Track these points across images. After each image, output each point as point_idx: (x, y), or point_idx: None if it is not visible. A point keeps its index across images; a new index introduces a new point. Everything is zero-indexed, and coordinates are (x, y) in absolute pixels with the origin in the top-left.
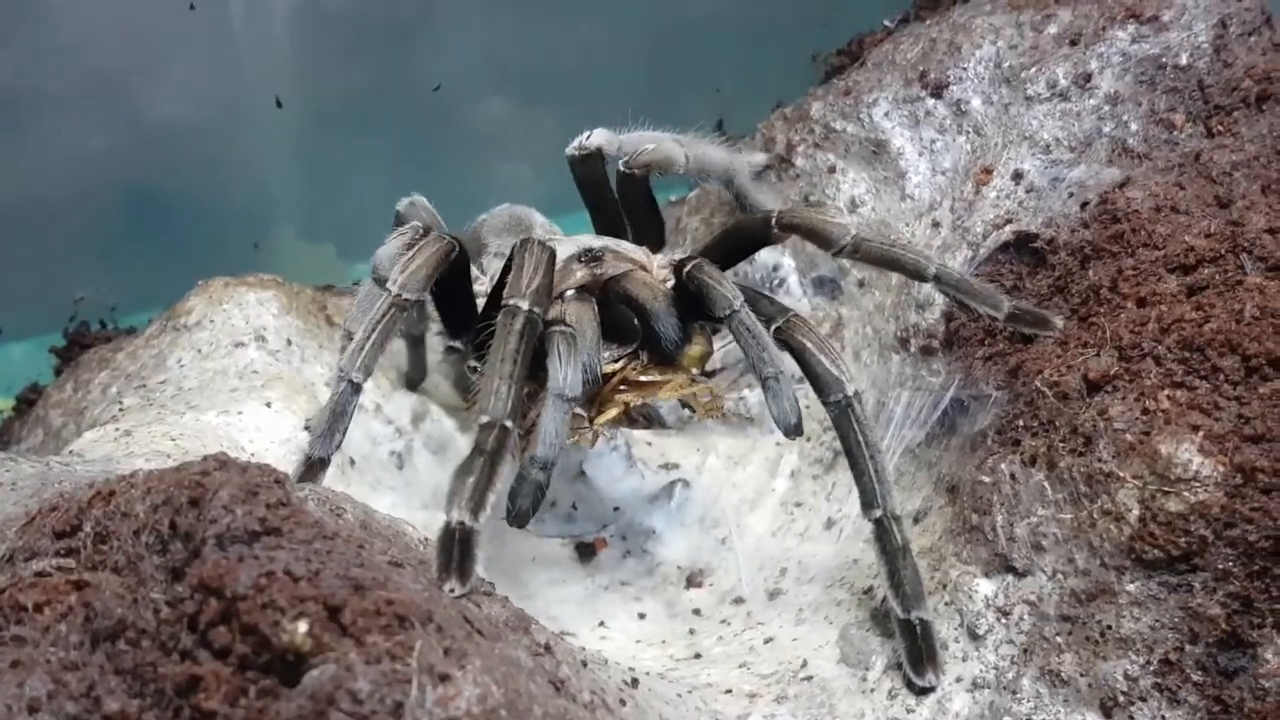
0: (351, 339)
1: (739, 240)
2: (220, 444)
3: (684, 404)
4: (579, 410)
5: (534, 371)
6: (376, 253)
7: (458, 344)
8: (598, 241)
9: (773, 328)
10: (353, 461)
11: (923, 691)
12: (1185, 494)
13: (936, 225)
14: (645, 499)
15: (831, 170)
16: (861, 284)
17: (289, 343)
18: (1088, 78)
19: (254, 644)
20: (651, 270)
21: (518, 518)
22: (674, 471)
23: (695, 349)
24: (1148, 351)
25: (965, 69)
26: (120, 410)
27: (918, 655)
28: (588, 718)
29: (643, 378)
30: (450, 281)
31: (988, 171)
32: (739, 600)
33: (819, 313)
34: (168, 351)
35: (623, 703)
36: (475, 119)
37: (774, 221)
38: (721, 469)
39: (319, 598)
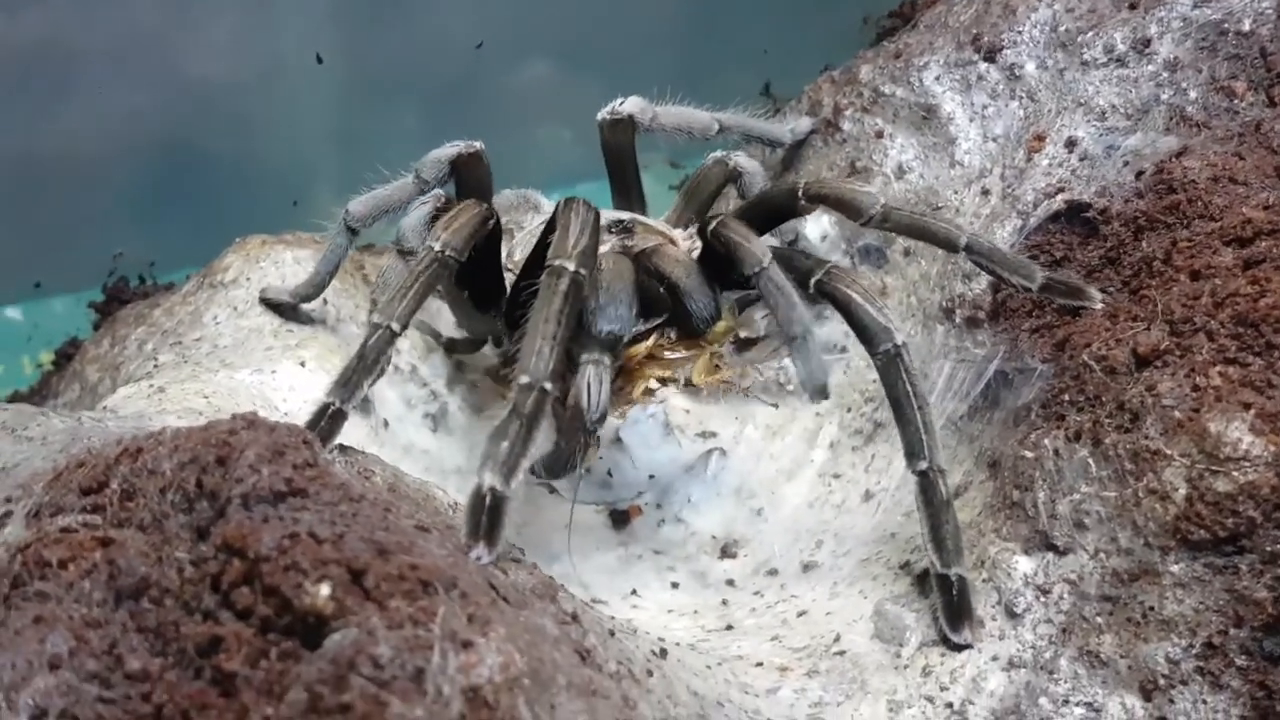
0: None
1: (764, 211)
2: (253, 402)
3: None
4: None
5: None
6: (401, 224)
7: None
8: (625, 214)
9: (813, 280)
10: (386, 423)
11: (958, 649)
12: (1234, 474)
13: (986, 193)
14: (682, 467)
15: (879, 135)
16: (908, 253)
17: (325, 302)
18: (1146, 43)
19: (276, 606)
20: (678, 244)
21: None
22: (711, 440)
23: (721, 325)
24: (1200, 326)
25: (1020, 32)
26: (155, 367)
27: (954, 611)
28: (613, 688)
29: (669, 354)
30: (483, 251)
31: (1040, 139)
32: (773, 572)
33: (864, 281)
34: (204, 309)
35: (650, 673)
36: (515, 80)
37: (800, 192)
38: (760, 439)
39: (342, 560)
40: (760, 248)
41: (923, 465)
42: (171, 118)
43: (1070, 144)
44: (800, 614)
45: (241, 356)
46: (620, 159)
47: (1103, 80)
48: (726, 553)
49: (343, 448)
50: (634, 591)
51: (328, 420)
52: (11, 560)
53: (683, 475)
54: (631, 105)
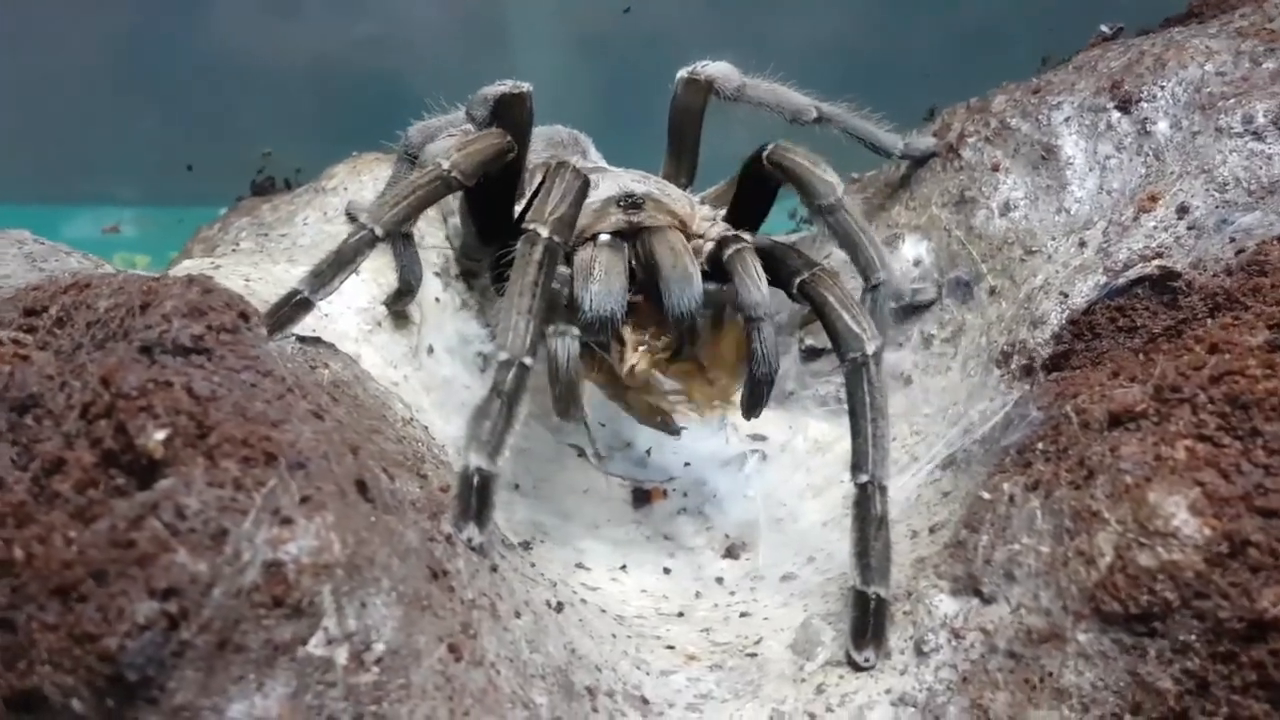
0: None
1: (750, 180)
2: None
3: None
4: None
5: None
6: (428, 148)
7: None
8: (641, 186)
9: (797, 281)
10: (431, 349)
11: (857, 671)
12: (1159, 549)
13: (1083, 245)
14: (719, 462)
15: (995, 168)
16: (993, 292)
17: None
18: None
19: (122, 443)
20: (692, 226)
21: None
22: (759, 443)
23: (726, 341)
24: (1187, 397)
25: (1162, 87)
26: (233, 250)
27: (863, 630)
28: (458, 611)
29: (667, 381)
30: (495, 182)
31: (1154, 199)
32: (759, 577)
33: (945, 314)
34: (299, 210)
35: (517, 614)
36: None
37: (766, 156)
38: (804, 452)
39: (196, 415)
40: (761, 298)
41: (864, 478)
42: (374, 49)
43: (1182, 210)
44: (743, 615)
45: (308, 255)
46: (683, 121)
47: (1233, 151)
48: (731, 553)
49: (312, 339)
50: (622, 567)
51: (290, 307)
52: None
53: (718, 470)
54: (716, 70)
